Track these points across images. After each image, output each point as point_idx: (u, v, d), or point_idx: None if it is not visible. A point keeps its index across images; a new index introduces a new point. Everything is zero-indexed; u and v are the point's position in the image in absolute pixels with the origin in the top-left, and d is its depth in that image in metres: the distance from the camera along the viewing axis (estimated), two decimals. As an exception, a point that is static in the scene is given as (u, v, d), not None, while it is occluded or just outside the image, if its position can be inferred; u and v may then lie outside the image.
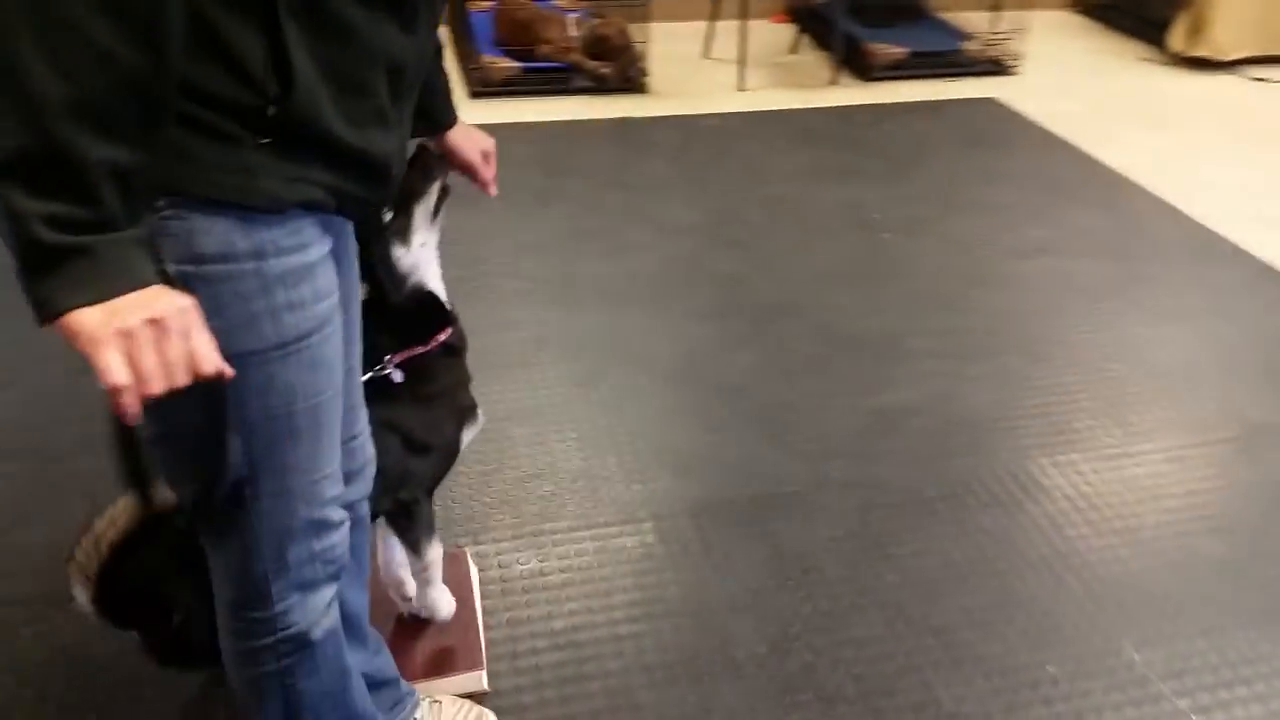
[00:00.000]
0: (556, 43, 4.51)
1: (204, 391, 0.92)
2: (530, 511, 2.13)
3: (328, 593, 1.21)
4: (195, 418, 1.00)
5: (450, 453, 1.62)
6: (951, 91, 4.66)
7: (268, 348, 1.01)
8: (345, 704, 1.32)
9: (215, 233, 0.92)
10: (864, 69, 4.78)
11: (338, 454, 1.17)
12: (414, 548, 1.66)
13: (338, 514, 1.19)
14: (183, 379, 0.86)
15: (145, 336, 0.82)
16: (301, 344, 1.03)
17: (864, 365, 2.67)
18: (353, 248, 1.24)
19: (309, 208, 0.99)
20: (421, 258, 1.48)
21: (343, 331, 1.11)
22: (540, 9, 4.62)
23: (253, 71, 0.89)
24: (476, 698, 1.70)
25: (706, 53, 5.06)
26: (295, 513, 1.12)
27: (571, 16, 4.58)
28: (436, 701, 1.64)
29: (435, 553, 1.69)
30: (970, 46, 4.91)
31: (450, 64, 4.56)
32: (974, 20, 5.12)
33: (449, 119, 1.42)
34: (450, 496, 2.14)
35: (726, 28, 4.93)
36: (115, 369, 0.81)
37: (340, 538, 1.20)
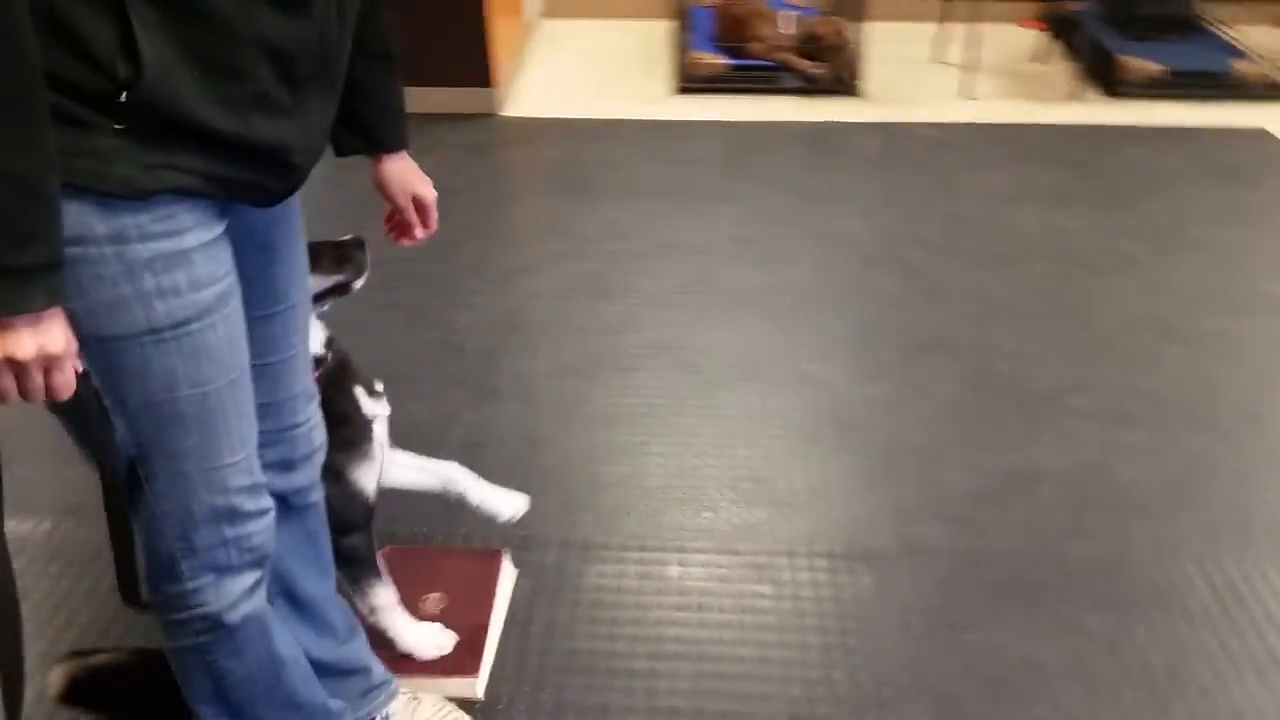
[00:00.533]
0: (768, 40, 4.36)
1: (83, 374, 0.95)
2: (588, 520, 2.05)
3: (247, 578, 1.20)
4: (85, 394, 1.01)
5: (354, 495, 1.55)
6: (1215, 117, 4.07)
7: (139, 332, 1.00)
8: (279, 689, 1.31)
9: (71, 216, 0.91)
10: (1112, 84, 4.28)
11: (248, 442, 1.15)
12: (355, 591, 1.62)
13: (252, 503, 1.17)
14: (38, 399, 0.93)
15: (17, 365, 0.90)
16: (179, 330, 1.02)
17: (1004, 417, 2.37)
18: (283, 233, 1.21)
19: (180, 194, 0.96)
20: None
21: (239, 315, 1.09)
22: (759, 5, 4.48)
23: (100, 56, 0.87)
24: (469, 705, 1.65)
25: (936, 56, 4.72)
26: (195, 498, 1.12)
27: (790, 14, 4.41)
28: (415, 698, 1.60)
29: (381, 597, 1.64)
30: (1245, 66, 4.27)
31: (664, 59, 4.54)
32: (1256, 36, 4.45)
33: (390, 144, 1.36)
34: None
35: (962, 31, 4.57)
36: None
37: (259, 526, 1.18)
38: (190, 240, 1.00)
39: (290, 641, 1.33)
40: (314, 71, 1.02)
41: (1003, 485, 2.15)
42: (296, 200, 1.24)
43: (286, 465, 1.33)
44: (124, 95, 0.89)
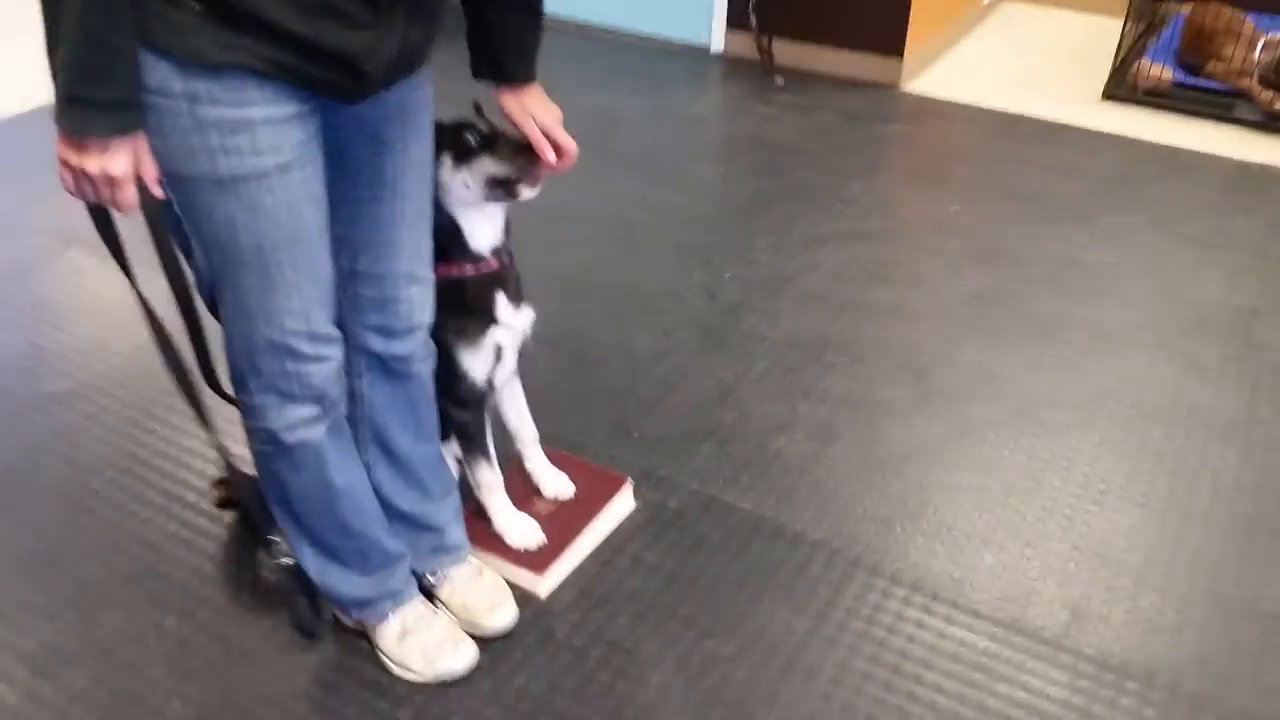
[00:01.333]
0: (1231, 62, 3.75)
1: (169, 203, 1.24)
2: (776, 499, 2.07)
3: (305, 410, 1.42)
4: (152, 217, 1.28)
5: (461, 375, 1.70)
6: None
7: (203, 177, 1.20)
8: (331, 514, 1.54)
9: (157, 71, 1.13)
10: None
11: (308, 297, 1.34)
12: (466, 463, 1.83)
13: (310, 348, 1.37)
14: (108, 206, 1.19)
15: (89, 177, 1.15)
16: (238, 185, 1.21)
17: None
18: (395, 130, 1.37)
19: (249, 71, 1.15)
20: (457, 192, 1.58)
21: (306, 187, 1.27)
22: (1234, 20, 3.85)
23: None
24: (527, 600, 1.79)
25: None
26: (255, 330, 1.34)
27: (1271, 35, 3.75)
28: (480, 573, 1.77)
29: (484, 476, 1.82)
30: None
31: (1106, 60, 4.08)
32: None
33: (514, 77, 1.48)
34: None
35: None
36: (65, 182, 1.17)
37: (319, 369, 1.39)
38: (255, 113, 1.18)
39: (351, 478, 1.53)
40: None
41: None
42: (421, 103, 1.40)
43: (386, 332, 1.53)
44: None
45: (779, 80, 4.00)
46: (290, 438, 1.44)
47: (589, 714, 1.61)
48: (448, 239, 1.61)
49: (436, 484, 1.72)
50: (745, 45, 4.20)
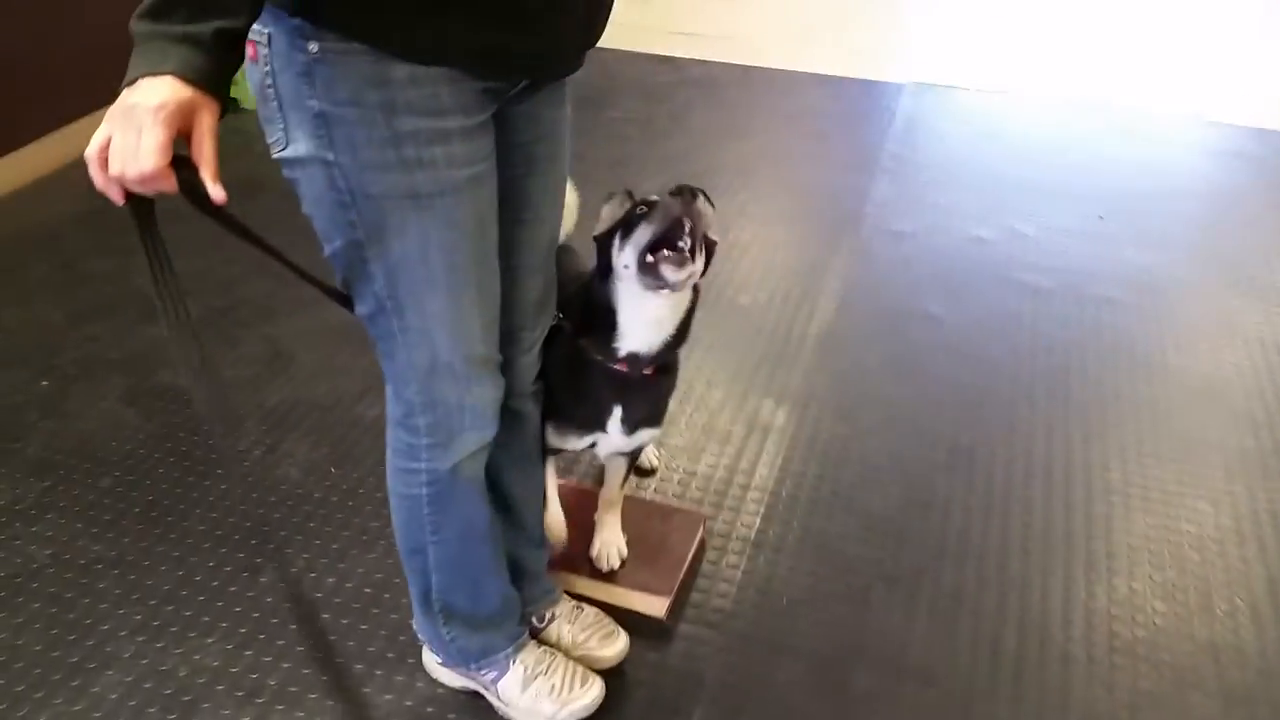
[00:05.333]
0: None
1: (348, 221, 1.14)
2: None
3: (472, 442, 1.34)
4: (346, 237, 1.16)
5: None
6: None
7: (399, 194, 1.12)
8: (478, 554, 1.47)
9: (350, 81, 1.05)
10: None
11: (488, 316, 1.28)
12: None
13: (488, 372, 1.32)
14: (132, 172, 0.95)
15: (124, 122, 0.94)
16: (434, 200, 1.14)
17: None
18: (546, 151, 1.30)
19: (450, 70, 1.08)
20: (619, 273, 1.42)
21: (491, 202, 1.21)
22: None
23: None
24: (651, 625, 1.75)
25: None
26: (437, 356, 1.25)
27: None
28: (579, 607, 1.72)
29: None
30: None
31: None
32: None
33: None
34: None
35: None
36: (94, 141, 0.96)
37: (492, 396, 1.33)
38: (452, 123, 1.11)
39: (492, 519, 1.48)
40: None
41: None
42: (564, 122, 1.33)
43: (508, 362, 1.41)
44: None
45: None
46: (458, 473, 1.36)
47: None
48: (598, 320, 1.47)
49: (538, 528, 1.68)
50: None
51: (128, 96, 0.95)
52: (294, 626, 1.76)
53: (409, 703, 1.63)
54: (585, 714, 1.58)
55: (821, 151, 3.69)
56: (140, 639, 1.73)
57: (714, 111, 4.01)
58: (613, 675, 1.65)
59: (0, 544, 1.91)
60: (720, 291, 2.74)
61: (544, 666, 1.60)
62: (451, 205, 1.16)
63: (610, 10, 1.23)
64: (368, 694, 1.65)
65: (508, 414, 1.47)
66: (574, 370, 1.53)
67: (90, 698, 1.63)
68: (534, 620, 1.68)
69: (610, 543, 1.83)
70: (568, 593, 1.76)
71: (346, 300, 1.25)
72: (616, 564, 1.82)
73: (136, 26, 0.96)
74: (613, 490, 1.83)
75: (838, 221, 3.15)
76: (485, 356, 1.31)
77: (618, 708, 1.62)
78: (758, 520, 2.00)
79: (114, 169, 0.96)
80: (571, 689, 1.58)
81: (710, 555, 1.92)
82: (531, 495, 1.65)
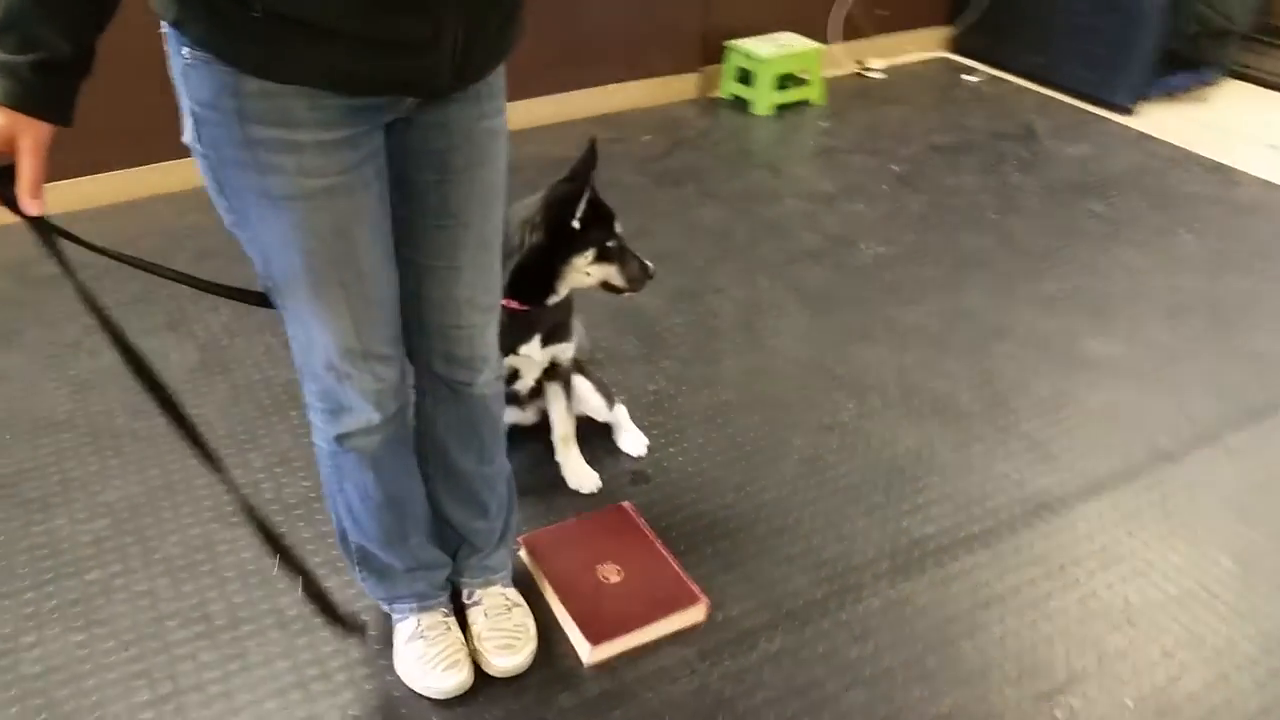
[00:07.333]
0: None
1: (225, 207, 1.23)
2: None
3: (357, 420, 1.41)
4: (228, 221, 1.26)
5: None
6: None
7: (256, 192, 1.19)
8: (374, 520, 1.55)
9: (209, 86, 1.12)
10: None
11: (360, 318, 1.32)
12: None
13: (364, 366, 1.36)
14: None
15: None
16: (284, 203, 1.19)
17: None
18: (463, 159, 1.31)
19: (304, 88, 1.12)
20: (576, 274, 1.85)
21: (355, 212, 1.24)
22: None
23: None
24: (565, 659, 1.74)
25: None
26: (311, 341, 1.34)
27: None
28: (509, 608, 1.73)
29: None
30: None
31: None
32: None
33: None
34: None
35: None
36: None
37: (371, 387, 1.39)
38: (304, 136, 1.15)
39: (399, 490, 1.54)
40: None
41: None
42: (489, 134, 1.33)
43: (448, 358, 1.49)
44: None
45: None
46: (343, 444, 1.45)
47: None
48: (530, 286, 1.83)
49: (494, 503, 1.70)
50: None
51: None
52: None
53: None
54: (438, 696, 1.64)
55: None
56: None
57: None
58: (504, 684, 1.67)
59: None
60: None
61: (434, 634, 1.66)
62: (305, 211, 1.20)
63: (512, 30, 1.25)
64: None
65: (456, 398, 1.53)
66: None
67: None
68: (463, 594, 1.75)
69: (578, 471, 2.10)
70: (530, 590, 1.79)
71: (232, 292, 1.33)
72: (594, 487, 2.09)
73: None
74: (561, 425, 2.09)
75: None
76: (363, 351, 1.34)
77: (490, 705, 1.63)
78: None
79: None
80: (438, 666, 1.64)
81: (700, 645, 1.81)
82: (483, 470, 1.65)
